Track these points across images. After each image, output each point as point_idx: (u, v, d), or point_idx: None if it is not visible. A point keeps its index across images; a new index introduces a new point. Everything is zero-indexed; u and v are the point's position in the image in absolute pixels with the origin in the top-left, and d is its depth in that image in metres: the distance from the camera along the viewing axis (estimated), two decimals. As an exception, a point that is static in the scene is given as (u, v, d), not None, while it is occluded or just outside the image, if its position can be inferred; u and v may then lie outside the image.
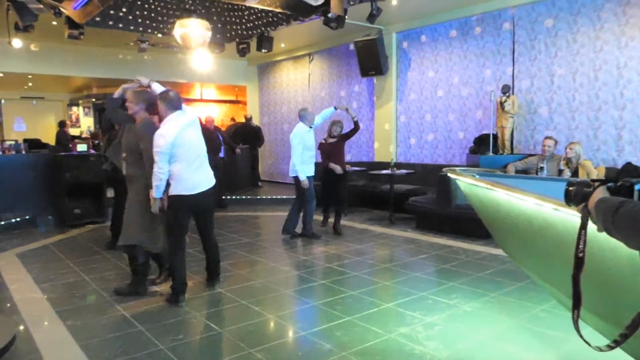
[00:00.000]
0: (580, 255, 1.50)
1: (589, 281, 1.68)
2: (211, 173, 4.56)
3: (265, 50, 9.12)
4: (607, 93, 7.07)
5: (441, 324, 3.80)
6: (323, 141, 7.44)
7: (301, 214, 7.04)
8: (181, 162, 4.22)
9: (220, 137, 10.02)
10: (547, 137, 6.77)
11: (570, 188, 1.55)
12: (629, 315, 1.86)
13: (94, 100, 16.65)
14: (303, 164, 6.77)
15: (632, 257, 1.72)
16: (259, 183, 12.69)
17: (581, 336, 1.60)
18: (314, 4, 6.56)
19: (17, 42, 8.59)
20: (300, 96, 12.81)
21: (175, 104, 4.29)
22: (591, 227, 1.47)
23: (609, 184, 1.46)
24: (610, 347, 1.47)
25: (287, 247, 6.69)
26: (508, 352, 3.33)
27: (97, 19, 7.05)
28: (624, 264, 1.83)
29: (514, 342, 3.49)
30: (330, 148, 7.30)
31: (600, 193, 1.44)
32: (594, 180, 1.50)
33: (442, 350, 3.33)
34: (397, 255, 6.18)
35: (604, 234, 1.42)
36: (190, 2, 7.29)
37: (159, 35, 8.54)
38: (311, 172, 6.91)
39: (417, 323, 3.83)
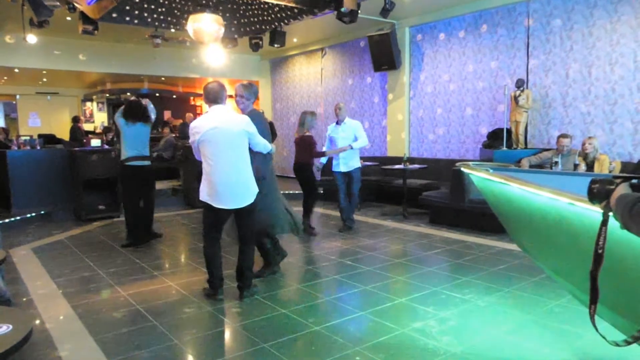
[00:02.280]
0: (600, 251, 1.49)
1: (604, 276, 1.67)
2: (246, 191, 4.23)
3: (278, 45, 9.10)
4: (624, 87, 6.97)
5: (455, 319, 3.79)
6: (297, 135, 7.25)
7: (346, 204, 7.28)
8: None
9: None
10: (563, 136, 6.64)
11: (594, 186, 1.54)
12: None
13: (107, 95, 16.78)
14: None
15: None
16: (272, 178, 12.68)
17: (597, 331, 1.60)
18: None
19: (31, 38, 8.66)
20: (313, 91, 12.80)
21: (210, 98, 4.22)
22: (613, 224, 1.46)
23: (633, 181, 1.45)
24: (627, 343, 1.47)
25: (299, 241, 6.70)
26: (522, 348, 3.31)
27: (112, 14, 7.09)
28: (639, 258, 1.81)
29: (528, 338, 3.46)
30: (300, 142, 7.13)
31: (622, 189, 1.43)
32: (616, 177, 1.49)
33: (456, 345, 3.32)
34: (411, 250, 6.16)
35: (618, 227, 1.41)
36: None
37: (173, 30, 8.56)
38: (336, 167, 7.21)
39: (431, 318, 3.81)
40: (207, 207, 4.24)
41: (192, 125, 4.18)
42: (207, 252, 4.38)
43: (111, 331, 3.69)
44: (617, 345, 1.53)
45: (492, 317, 3.85)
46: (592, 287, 1.54)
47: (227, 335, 3.70)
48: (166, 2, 7.45)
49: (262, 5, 7.80)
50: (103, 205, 8.32)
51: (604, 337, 1.61)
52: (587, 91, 7.36)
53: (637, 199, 1.29)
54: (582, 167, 6.21)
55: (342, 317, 3.89)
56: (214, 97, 4.18)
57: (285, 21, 8.18)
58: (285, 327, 3.79)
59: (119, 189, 7.88)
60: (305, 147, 7.06)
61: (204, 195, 4.19)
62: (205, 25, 6.90)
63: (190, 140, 4.23)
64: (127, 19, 7.50)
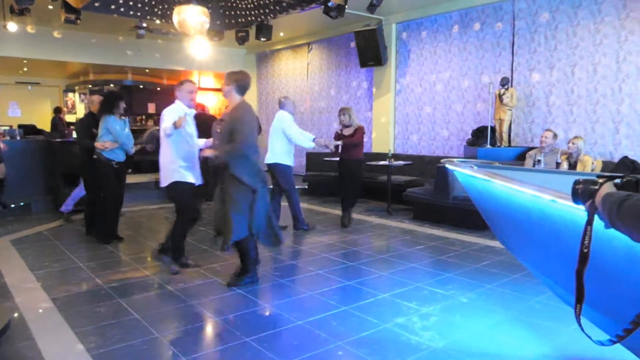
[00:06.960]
0: (585, 250, 1.49)
1: (586, 274, 1.68)
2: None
3: (264, 39, 9.06)
4: (606, 87, 7.06)
5: (437, 315, 3.81)
6: (338, 132, 7.31)
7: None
8: None
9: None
10: (546, 130, 6.75)
11: (577, 186, 1.54)
12: (626, 308, 1.86)
13: (90, 86, 16.48)
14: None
15: (629, 249, 1.72)
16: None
17: (583, 330, 1.60)
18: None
19: (12, 26, 8.51)
20: (299, 86, 12.75)
21: None
22: (596, 223, 1.46)
23: (616, 180, 1.45)
24: (612, 342, 1.47)
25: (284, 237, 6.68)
26: (503, 343, 3.34)
27: (95, 3, 6.98)
28: (620, 256, 1.83)
29: (509, 333, 3.49)
30: (345, 139, 7.11)
31: (606, 188, 1.43)
32: (600, 177, 1.49)
33: (438, 340, 3.34)
34: (394, 246, 6.18)
35: (602, 226, 1.41)
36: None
37: (157, 21, 8.46)
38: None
39: (413, 313, 3.83)
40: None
41: None
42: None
43: (91, 324, 3.64)
44: (602, 344, 1.53)
45: (473, 313, 3.88)
46: (578, 287, 1.54)
47: (210, 329, 3.68)
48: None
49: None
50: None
51: (589, 337, 1.61)
52: (570, 90, 7.44)
53: (624, 198, 1.29)
54: (564, 166, 6.27)
55: (325, 312, 3.89)
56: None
57: (273, 15, 8.14)
58: (268, 322, 3.78)
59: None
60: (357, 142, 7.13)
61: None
62: (191, 17, 6.83)
63: None
64: (111, 8, 7.40)
